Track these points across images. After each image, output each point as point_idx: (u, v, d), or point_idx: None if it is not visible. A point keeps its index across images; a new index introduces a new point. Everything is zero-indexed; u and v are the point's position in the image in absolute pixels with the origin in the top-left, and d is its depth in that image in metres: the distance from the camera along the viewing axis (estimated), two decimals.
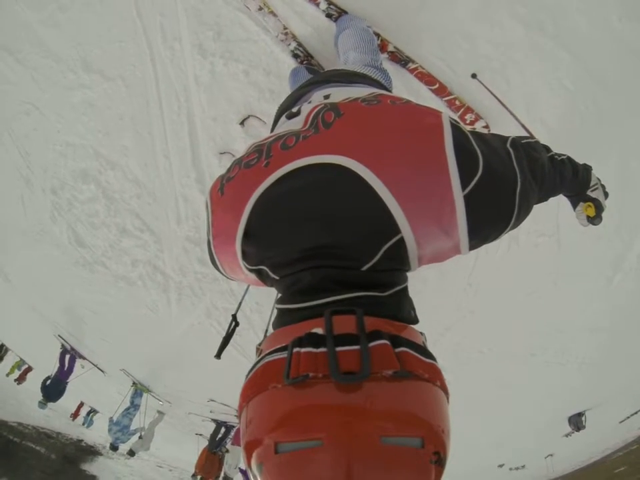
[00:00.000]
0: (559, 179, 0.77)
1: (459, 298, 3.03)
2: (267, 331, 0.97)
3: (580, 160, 0.91)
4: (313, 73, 1.87)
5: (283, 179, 0.56)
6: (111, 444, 5.49)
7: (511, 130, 2.00)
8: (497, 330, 3.28)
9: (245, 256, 0.60)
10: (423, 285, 2.85)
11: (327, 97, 0.79)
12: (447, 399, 0.46)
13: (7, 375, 6.86)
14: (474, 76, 1.93)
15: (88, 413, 7.44)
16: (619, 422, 5.99)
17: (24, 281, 4.66)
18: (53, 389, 5.43)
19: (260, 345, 0.52)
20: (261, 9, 2.02)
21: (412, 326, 0.52)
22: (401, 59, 1.95)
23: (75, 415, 7.50)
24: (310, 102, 0.80)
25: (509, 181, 0.56)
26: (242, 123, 2.41)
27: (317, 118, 0.61)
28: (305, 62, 2.08)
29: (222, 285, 3.41)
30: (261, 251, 0.58)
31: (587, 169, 0.92)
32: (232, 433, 5.49)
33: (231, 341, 0.83)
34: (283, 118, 0.80)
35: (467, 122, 2.04)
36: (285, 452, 0.39)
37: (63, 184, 3.18)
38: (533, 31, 1.81)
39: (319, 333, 0.44)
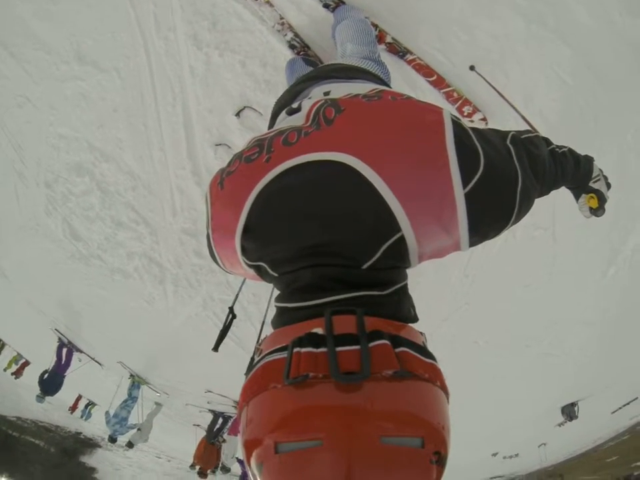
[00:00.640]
0: (560, 172, 0.76)
1: (455, 289, 3.05)
2: (263, 322, 0.97)
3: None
4: (310, 64, 1.85)
5: (284, 175, 0.55)
6: (109, 436, 5.52)
7: (508, 122, 1.99)
8: (492, 321, 3.31)
9: (245, 251, 0.60)
10: (419, 276, 2.86)
11: (327, 93, 0.78)
12: (447, 398, 0.46)
13: (5, 369, 6.85)
14: (472, 68, 1.92)
15: (86, 406, 7.46)
16: (611, 412, 6.10)
17: (19, 276, 4.64)
18: (51, 383, 5.43)
19: (260, 344, 0.52)
20: None
21: (412, 325, 0.52)
22: (398, 51, 1.93)
23: (73, 408, 7.51)
24: (310, 98, 0.79)
25: (510, 178, 0.56)
26: (238, 114, 2.39)
27: (318, 114, 0.61)
28: (301, 53, 2.06)
29: (218, 276, 3.41)
30: (261, 247, 0.58)
31: (588, 160, 0.92)
32: (229, 423, 5.54)
33: (228, 332, 0.84)
34: (283, 114, 0.79)
35: (465, 114, 2.04)
36: (285, 452, 0.39)
37: (57, 177, 3.15)
38: (533, 23, 1.79)
39: (319, 333, 0.44)
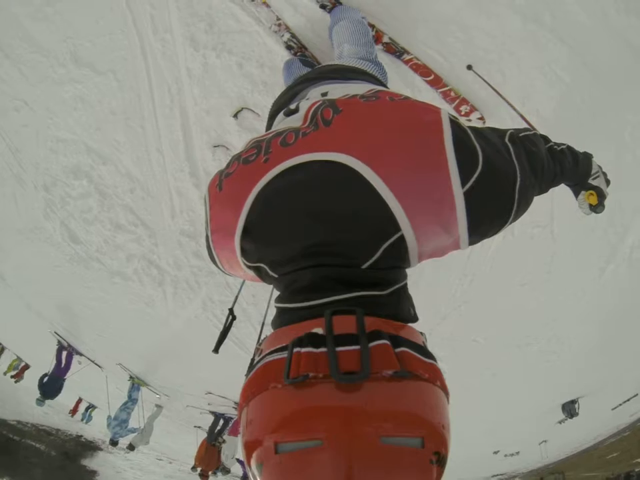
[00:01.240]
0: (559, 169, 0.76)
1: (454, 288, 3.05)
2: (263, 323, 0.97)
3: None
4: (307, 65, 1.85)
5: (282, 176, 0.55)
6: (110, 439, 5.51)
7: (506, 121, 2.00)
8: (491, 319, 3.31)
9: (244, 253, 0.60)
10: (418, 275, 2.87)
11: (324, 94, 0.78)
12: (447, 398, 0.46)
13: (4, 373, 6.81)
14: (469, 67, 1.92)
15: (86, 409, 7.44)
16: (611, 409, 6.10)
17: (18, 279, 4.62)
18: (51, 386, 5.41)
19: (260, 344, 0.52)
20: None
21: (412, 325, 0.52)
22: (396, 50, 1.93)
23: (74, 411, 7.49)
24: (308, 99, 0.79)
25: (509, 177, 0.56)
26: (235, 116, 2.39)
27: (316, 115, 0.61)
28: (298, 53, 2.06)
29: (218, 278, 3.40)
30: (260, 248, 0.58)
31: (587, 157, 0.92)
32: (230, 425, 5.54)
33: (228, 334, 0.83)
34: (281, 115, 0.79)
35: (462, 113, 2.04)
36: (285, 452, 0.39)
37: (55, 180, 3.14)
38: (530, 22, 1.80)
39: (319, 333, 0.44)
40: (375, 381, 0.40)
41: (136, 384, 5.47)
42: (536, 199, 0.65)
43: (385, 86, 1.04)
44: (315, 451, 0.38)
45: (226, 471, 5.58)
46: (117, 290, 3.87)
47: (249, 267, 0.62)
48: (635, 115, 2.02)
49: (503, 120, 2.00)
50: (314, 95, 0.81)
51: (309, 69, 1.43)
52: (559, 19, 1.77)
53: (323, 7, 1.89)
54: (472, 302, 3.14)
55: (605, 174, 0.98)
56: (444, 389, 0.45)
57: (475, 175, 0.51)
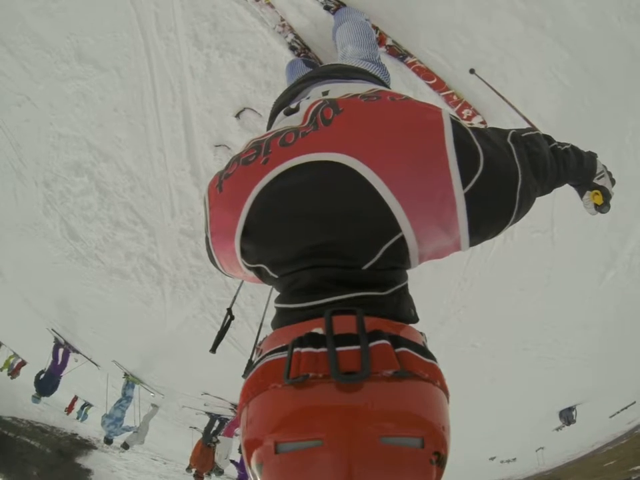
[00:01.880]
0: (563, 169, 0.76)
1: (453, 292, 3.05)
2: (261, 324, 0.97)
3: None
4: (310, 66, 1.85)
5: (282, 177, 0.55)
6: (105, 437, 5.47)
7: (508, 125, 1.98)
8: (490, 324, 3.31)
9: (244, 254, 0.60)
10: (418, 278, 2.86)
11: (325, 93, 0.78)
12: (447, 399, 0.46)
13: (0, 369, 6.81)
14: (472, 71, 1.92)
15: (82, 407, 7.41)
16: (609, 417, 6.09)
17: (17, 275, 4.62)
18: (47, 383, 5.39)
19: (260, 344, 0.52)
20: None
21: (412, 325, 0.52)
22: (399, 53, 1.93)
23: (70, 409, 7.46)
24: (308, 98, 0.79)
25: (510, 177, 0.56)
26: (237, 116, 2.39)
27: (316, 114, 0.61)
28: (302, 54, 2.06)
29: (216, 278, 3.40)
30: (260, 249, 0.58)
31: (592, 156, 0.91)
32: (226, 426, 5.51)
33: (226, 334, 0.83)
34: (281, 114, 0.79)
35: (464, 117, 2.04)
36: (285, 452, 0.38)
37: (56, 176, 3.14)
38: (532, 26, 1.80)
39: (320, 333, 0.44)
40: (375, 381, 0.40)
41: (130, 382, 5.43)
42: (536, 203, 0.64)
43: (387, 87, 1.04)
44: (315, 451, 0.38)
45: (219, 471, 5.54)
46: (115, 288, 3.87)
47: (249, 268, 0.62)
48: (635, 119, 2.03)
49: (505, 124, 2.00)
50: (315, 93, 0.81)
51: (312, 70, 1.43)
52: (560, 23, 1.78)
53: (327, 8, 1.90)
54: (471, 306, 3.14)
55: (609, 173, 0.97)
56: (444, 389, 0.45)
57: (476, 176, 0.51)
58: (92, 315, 4.60)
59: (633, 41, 1.76)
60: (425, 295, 2.94)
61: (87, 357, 5.55)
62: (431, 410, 0.42)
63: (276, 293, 0.60)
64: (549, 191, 0.74)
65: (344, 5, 1.87)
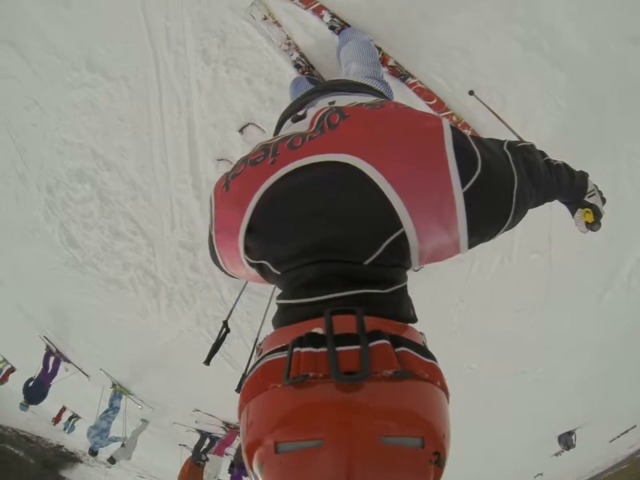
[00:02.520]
0: (556, 180, 0.79)
1: (450, 313, 3.03)
2: (256, 340, 0.97)
3: None
4: (314, 84, 1.89)
5: (289, 176, 0.57)
6: (89, 448, 5.31)
7: None
8: (487, 346, 3.27)
9: (247, 250, 0.61)
10: (415, 297, 2.84)
11: (332, 103, 0.80)
12: (447, 399, 0.46)
13: None
14: (471, 92, 1.97)
15: (70, 418, 7.24)
16: (609, 441, 5.97)
17: (11, 279, 4.57)
18: (36, 392, 5.26)
19: (260, 344, 0.52)
20: (265, 18, 2.05)
21: (412, 326, 0.53)
22: (400, 74, 1.98)
23: (57, 420, 7.28)
24: (315, 107, 0.81)
25: (507, 180, 0.58)
26: (241, 131, 2.42)
27: (323, 120, 0.63)
28: (306, 72, 2.11)
29: (213, 292, 3.37)
30: (264, 246, 0.59)
31: (583, 175, 0.94)
32: (216, 445, 5.37)
33: (220, 349, 0.82)
34: (289, 122, 0.82)
35: None
36: (286, 452, 0.39)
37: (58, 182, 3.15)
38: (530, 50, 1.86)
39: (319, 332, 0.44)
40: (375, 381, 0.40)
41: (118, 392, 5.30)
42: (533, 224, 0.66)
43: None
44: (315, 451, 0.38)
45: None
46: (111, 298, 3.83)
47: (252, 265, 0.63)
48: (631, 142, 2.07)
49: None
50: (321, 103, 0.84)
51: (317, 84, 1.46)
52: (558, 47, 1.84)
53: (332, 28, 1.95)
54: (468, 328, 3.11)
55: (600, 192, 0.99)
56: (444, 389, 0.45)
57: (474, 177, 0.53)
58: (85, 324, 4.54)
59: (629, 63, 1.81)
60: (421, 315, 2.90)
61: (77, 367, 5.45)
62: (431, 410, 0.42)
63: (277, 292, 0.61)
64: (542, 202, 0.76)
65: (348, 26, 1.93)
